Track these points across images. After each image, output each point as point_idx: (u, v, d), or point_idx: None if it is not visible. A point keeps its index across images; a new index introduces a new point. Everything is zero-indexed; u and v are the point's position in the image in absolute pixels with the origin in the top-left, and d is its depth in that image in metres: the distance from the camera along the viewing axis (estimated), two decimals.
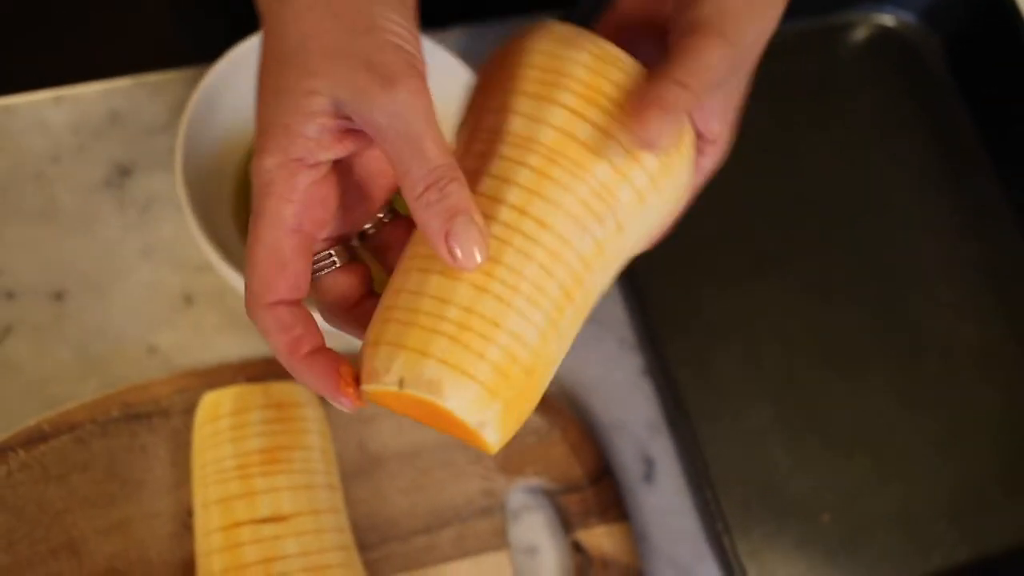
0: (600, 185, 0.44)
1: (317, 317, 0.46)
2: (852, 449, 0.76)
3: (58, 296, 0.69)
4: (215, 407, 0.62)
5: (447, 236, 0.40)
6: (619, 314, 0.75)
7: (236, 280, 0.64)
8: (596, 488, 0.69)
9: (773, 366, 0.77)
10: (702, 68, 0.44)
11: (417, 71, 0.42)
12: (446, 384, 0.40)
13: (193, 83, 0.69)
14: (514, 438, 0.68)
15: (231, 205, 0.70)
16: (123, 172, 0.72)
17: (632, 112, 0.43)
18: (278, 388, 0.64)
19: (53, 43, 0.77)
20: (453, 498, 0.67)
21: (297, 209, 0.43)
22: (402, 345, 0.41)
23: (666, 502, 0.71)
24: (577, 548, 0.68)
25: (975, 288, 0.82)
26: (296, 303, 0.44)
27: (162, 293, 0.70)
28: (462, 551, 0.66)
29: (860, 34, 0.89)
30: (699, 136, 0.49)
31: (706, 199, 0.80)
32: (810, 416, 0.76)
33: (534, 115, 0.43)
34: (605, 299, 0.75)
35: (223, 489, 0.60)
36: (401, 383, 0.41)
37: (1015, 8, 0.81)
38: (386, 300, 0.43)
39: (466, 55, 0.77)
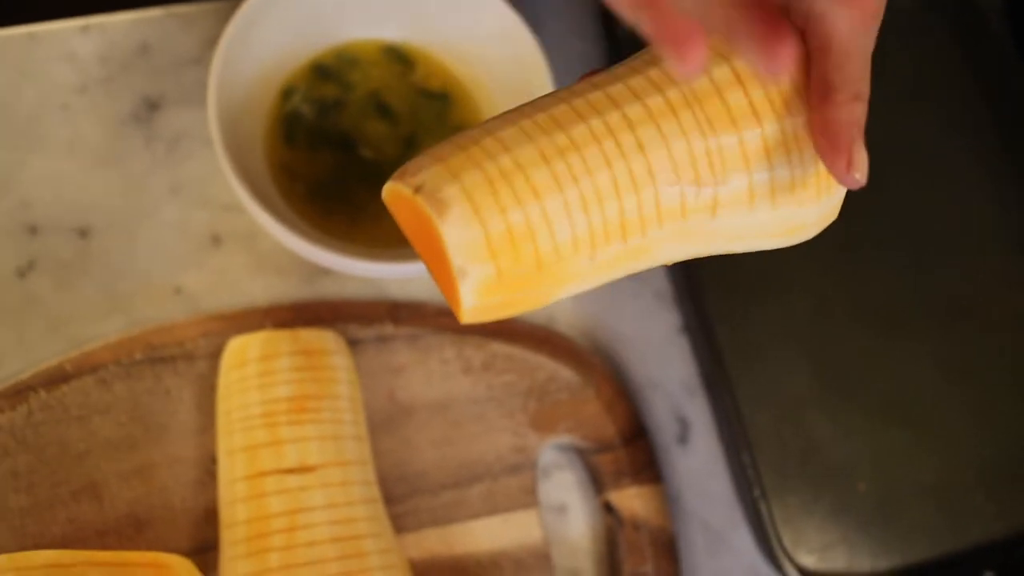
0: (718, 153, 0.42)
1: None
2: (891, 417, 0.74)
3: (83, 233, 0.67)
4: (242, 352, 0.61)
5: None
6: (657, 267, 0.72)
7: (267, 221, 0.62)
8: (629, 448, 0.67)
9: (812, 329, 0.74)
10: (860, 56, 0.42)
11: None
12: (453, 210, 0.39)
13: (226, 16, 0.67)
14: (547, 394, 0.66)
15: (263, 144, 0.68)
16: (151, 106, 0.70)
17: (829, 148, 0.42)
18: (307, 335, 0.62)
19: None
20: (483, 453, 0.65)
21: None
22: (442, 160, 0.40)
23: (700, 465, 0.69)
24: (608, 508, 0.66)
25: (1019, 256, 0.79)
26: None
27: (189, 233, 0.68)
28: (491, 507, 0.64)
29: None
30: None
31: None
32: (849, 382, 0.74)
33: None
34: None
35: (249, 437, 0.58)
36: (417, 189, 0.39)
37: None
38: (469, 129, 0.42)
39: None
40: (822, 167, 0.44)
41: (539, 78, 0.67)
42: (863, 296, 0.76)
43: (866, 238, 0.77)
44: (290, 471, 0.58)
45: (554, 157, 0.40)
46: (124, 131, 0.69)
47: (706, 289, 0.72)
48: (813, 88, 0.42)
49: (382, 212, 0.68)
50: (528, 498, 0.65)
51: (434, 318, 0.67)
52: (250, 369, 0.60)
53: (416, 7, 0.71)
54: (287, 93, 0.69)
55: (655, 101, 0.41)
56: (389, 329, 0.66)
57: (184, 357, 0.63)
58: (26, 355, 0.63)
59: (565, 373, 0.67)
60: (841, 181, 0.42)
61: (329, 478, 0.58)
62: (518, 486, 0.65)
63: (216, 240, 0.68)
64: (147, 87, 0.70)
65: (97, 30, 0.71)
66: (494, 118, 0.42)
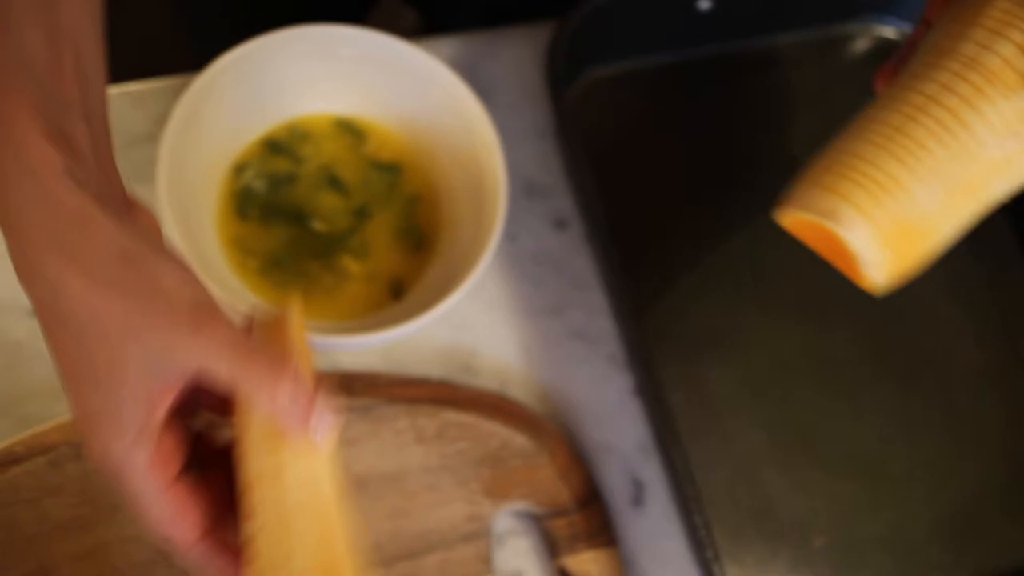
0: None
1: None
2: (847, 471, 0.74)
3: (34, 312, 0.67)
4: None
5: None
6: (609, 329, 0.73)
7: (218, 295, 0.62)
8: (584, 512, 0.67)
9: (766, 386, 0.75)
10: None
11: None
12: (854, 223, 0.52)
13: (177, 93, 0.67)
14: (501, 461, 0.67)
15: (215, 220, 0.69)
16: None
17: None
18: None
19: None
20: (438, 523, 0.65)
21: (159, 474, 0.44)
22: (826, 187, 0.53)
23: (656, 526, 0.70)
24: (563, 574, 0.66)
25: (974, 306, 0.80)
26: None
27: None
28: None
29: (861, 46, 0.87)
30: None
31: (701, 216, 0.79)
32: (804, 437, 0.75)
33: (985, 44, 0.53)
34: (595, 314, 0.74)
35: None
36: (820, 213, 0.52)
37: None
38: (828, 151, 0.55)
39: (456, 63, 0.75)
40: None
41: (488, 146, 0.69)
42: (817, 353, 0.77)
43: (819, 294, 0.78)
44: None
45: (908, 158, 0.53)
46: None
47: (657, 351, 0.73)
48: None
49: (333, 284, 0.68)
50: (483, 566, 0.65)
51: (387, 388, 0.67)
52: None
53: (367, 81, 0.72)
54: (239, 169, 0.70)
55: (964, 89, 0.53)
56: (342, 401, 0.67)
57: None
58: None
59: (519, 439, 0.68)
60: None
61: None
62: (473, 555, 0.65)
63: None
64: None
65: None
66: (843, 138, 0.55)
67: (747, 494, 0.72)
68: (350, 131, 0.73)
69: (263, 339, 0.47)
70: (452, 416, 0.67)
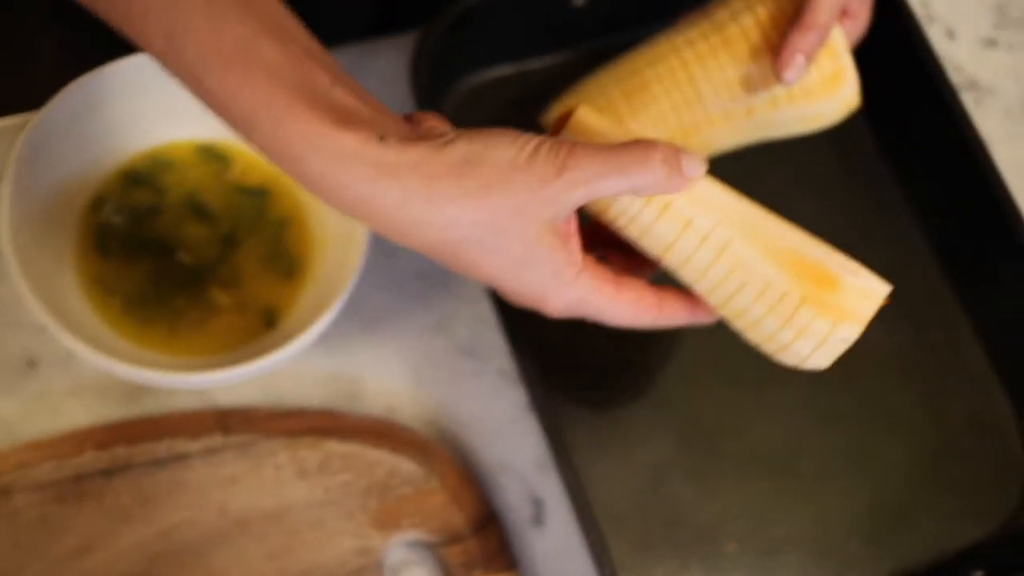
0: (748, 77, 0.64)
1: None
2: (757, 471, 0.72)
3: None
4: None
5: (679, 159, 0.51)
6: (498, 343, 0.71)
7: (75, 345, 0.59)
8: (479, 536, 0.64)
9: (668, 389, 0.73)
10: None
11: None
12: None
13: None
14: (388, 490, 0.64)
15: (73, 260, 0.65)
16: None
17: (777, 55, 0.63)
18: None
19: None
20: (324, 560, 0.62)
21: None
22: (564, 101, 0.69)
23: (558, 545, 0.67)
24: None
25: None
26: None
27: (3, 358, 0.65)
28: None
29: None
30: (843, 13, 0.66)
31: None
32: (710, 439, 0.72)
33: (735, 12, 0.65)
34: (482, 328, 0.71)
35: None
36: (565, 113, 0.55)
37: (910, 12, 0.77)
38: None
39: None
40: (822, 74, 0.65)
41: None
42: (719, 351, 0.74)
43: None
44: None
45: (633, 96, 0.64)
46: None
47: (550, 362, 0.70)
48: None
49: (202, 318, 0.65)
50: None
51: (265, 422, 0.64)
52: None
53: None
54: (97, 203, 0.67)
55: (703, 47, 0.64)
56: (218, 440, 0.64)
57: None
58: None
59: (407, 466, 0.65)
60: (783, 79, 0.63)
61: None
62: None
63: (32, 364, 0.65)
64: None
65: None
66: (605, 68, 0.68)
67: (653, 503, 0.70)
68: (214, 157, 0.69)
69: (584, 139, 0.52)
70: (335, 447, 0.64)
